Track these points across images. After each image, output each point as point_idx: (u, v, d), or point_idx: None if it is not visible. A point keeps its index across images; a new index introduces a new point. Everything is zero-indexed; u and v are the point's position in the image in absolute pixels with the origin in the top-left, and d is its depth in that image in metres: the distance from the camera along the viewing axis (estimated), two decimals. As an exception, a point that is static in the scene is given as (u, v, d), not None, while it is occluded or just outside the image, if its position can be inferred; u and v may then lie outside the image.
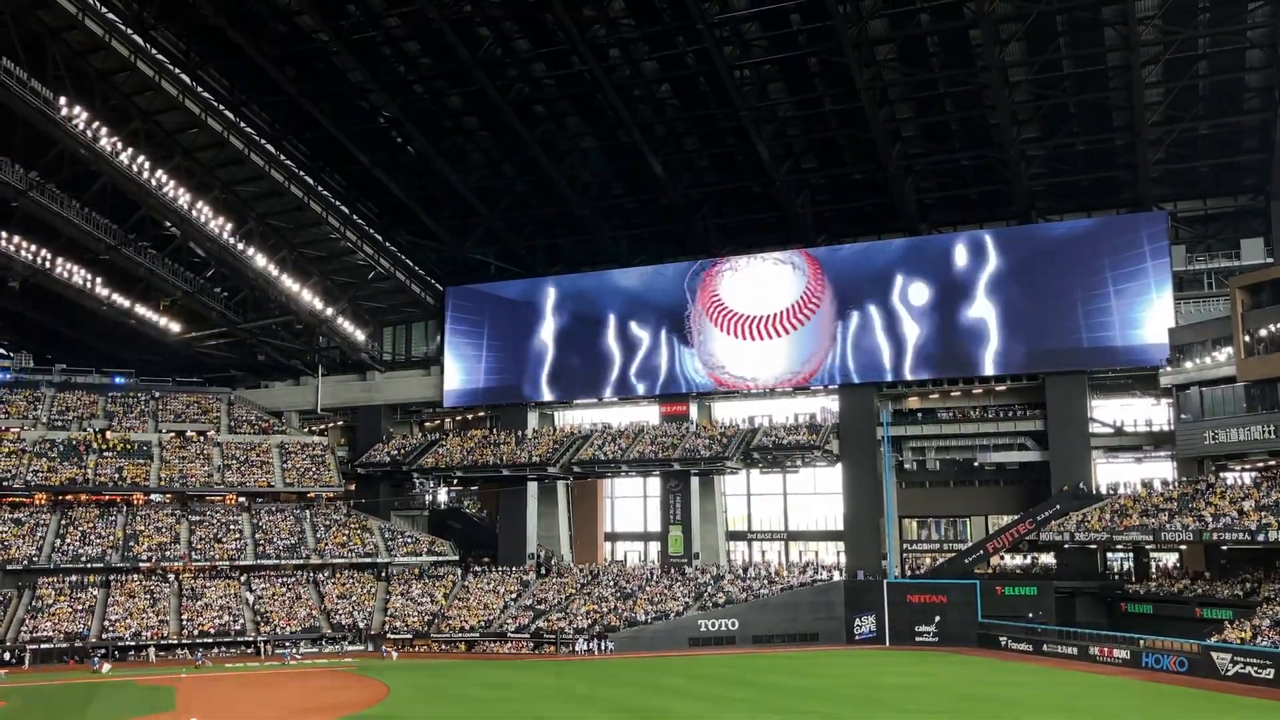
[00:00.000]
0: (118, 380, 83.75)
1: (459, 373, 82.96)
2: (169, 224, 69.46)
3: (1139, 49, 56.04)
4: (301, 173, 74.12)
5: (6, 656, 60.49)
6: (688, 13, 55.81)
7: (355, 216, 78.88)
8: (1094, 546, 62.89)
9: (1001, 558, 67.73)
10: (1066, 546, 62.92)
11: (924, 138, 68.48)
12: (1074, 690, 46.67)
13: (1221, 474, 60.13)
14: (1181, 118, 62.16)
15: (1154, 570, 63.96)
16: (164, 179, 64.14)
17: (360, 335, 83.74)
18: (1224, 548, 57.22)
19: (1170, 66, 59.04)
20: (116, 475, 73.63)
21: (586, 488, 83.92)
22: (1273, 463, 57.81)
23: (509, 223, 78.97)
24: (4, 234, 64.42)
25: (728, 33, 58.69)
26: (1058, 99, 62.64)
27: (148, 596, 67.41)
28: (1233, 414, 57.71)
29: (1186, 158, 66.26)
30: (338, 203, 77.47)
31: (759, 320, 74.27)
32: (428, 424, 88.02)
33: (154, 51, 62.80)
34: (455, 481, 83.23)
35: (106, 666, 59.29)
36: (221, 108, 67.67)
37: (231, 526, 73.67)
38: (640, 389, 77.99)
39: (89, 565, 68.17)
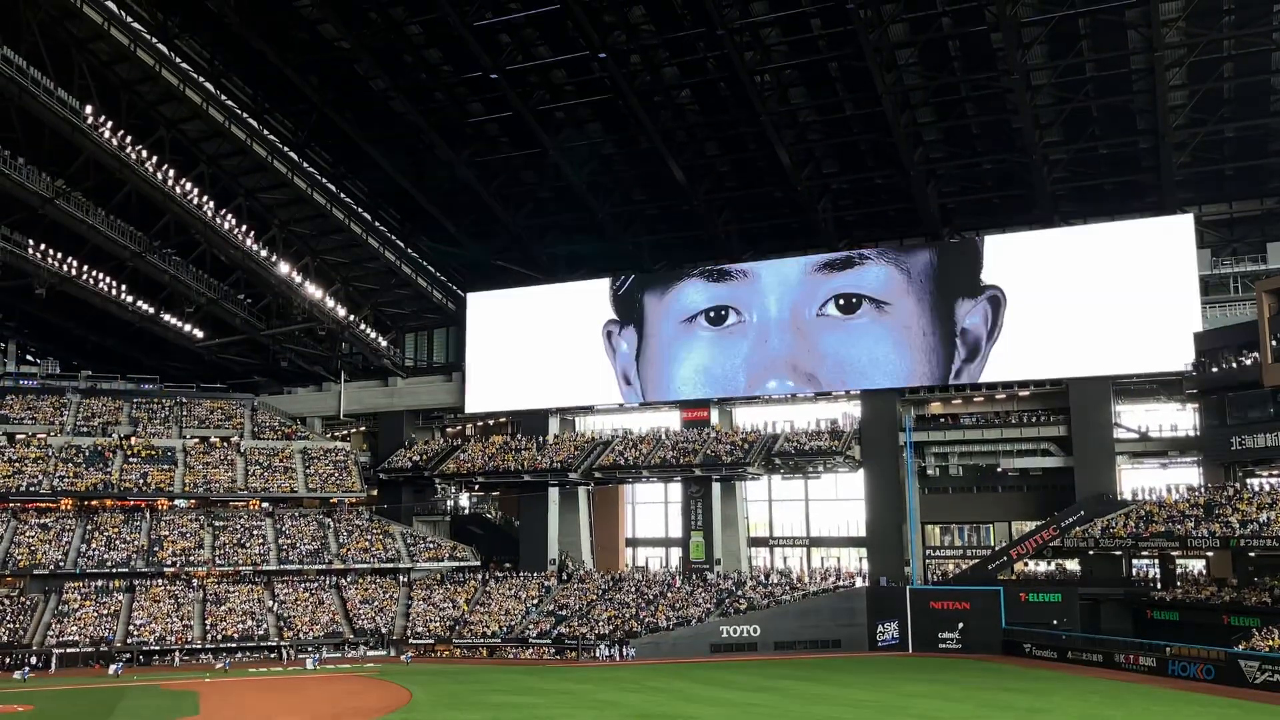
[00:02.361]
0: (143, 387, 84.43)
1: (480, 378, 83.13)
2: (193, 231, 69.99)
3: (1163, 52, 55.68)
4: (324, 180, 74.61)
5: (33, 660, 60.96)
6: (708, 18, 55.83)
7: (377, 223, 79.31)
8: (1119, 553, 62.35)
9: (1025, 564, 67.29)
10: (1091, 553, 62.47)
11: (946, 142, 68.28)
12: (1099, 698, 46.23)
13: (1249, 480, 59.56)
14: (1206, 120, 61.74)
15: (1180, 577, 63.40)
16: (188, 187, 64.70)
17: (382, 341, 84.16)
18: (1251, 554, 56.61)
19: (1195, 69, 58.67)
20: (141, 481, 74.20)
21: (608, 493, 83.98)
22: (1301, 468, 57.32)
23: (530, 228, 79.19)
24: (31, 241, 65.11)
25: (748, 38, 58.67)
26: (1080, 102, 62.32)
27: (172, 601, 67.85)
28: (1259, 419, 57.19)
29: (1212, 161, 65.83)
30: (360, 210, 77.94)
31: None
32: (449, 430, 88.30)
33: (178, 60, 63.33)
34: (477, 487, 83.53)
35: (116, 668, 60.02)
36: (245, 116, 68.18)
37: (255, 532, 74.05)
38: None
39: (114, 570, 68.65)
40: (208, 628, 66.26)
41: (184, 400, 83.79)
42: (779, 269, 74.69)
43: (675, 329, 77.57)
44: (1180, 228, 65.21)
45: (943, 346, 70.00)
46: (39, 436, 75.95)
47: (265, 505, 77.01)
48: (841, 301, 72.47)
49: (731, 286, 76.07)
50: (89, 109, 57.76)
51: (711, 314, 76.36)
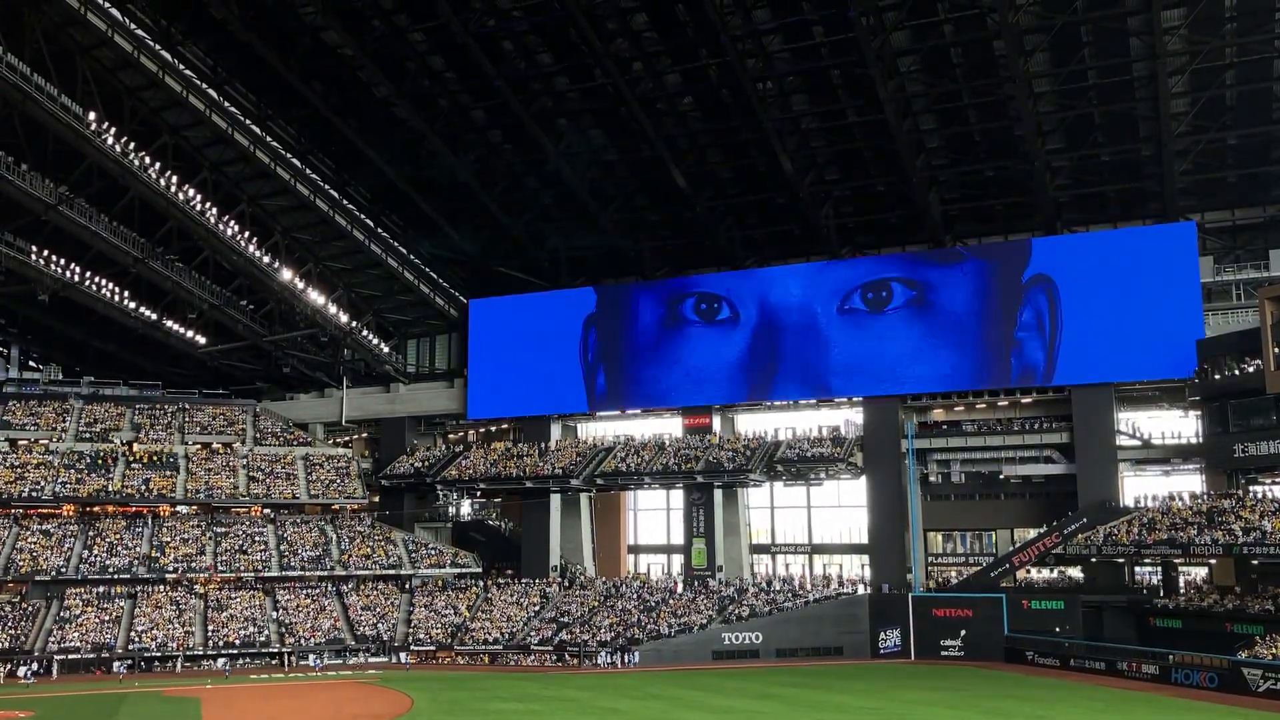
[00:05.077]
0: (145, 393, 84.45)
1: (482, 384, 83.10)
2: (195, 237, 70.05)
3: (1165, 59, 55.68)
4: (326, 186, 74.64)
5: (34, 666, 60.92)
6: (711, 25, 55.87)
7: (380, 230, 79.33)
8: (1122, 560, 62.32)
9: (1028, 571, 67.22)
10: (1094, 560, 62.41)
11: (948, 149, 68.23)
12: (1102, 706, 46.20)
13: (1251, 487, 59.48)
14: (1209, 128, 61.72)
15: (1183, 584, 63.31)
16: (191, 193, 64.76)
17: (384, 348, 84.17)
18: (1255, 562, 56.54)
19: (1197, 76, 58.64)
20: (143, 487, 74.20)
21: (609, 500, 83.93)
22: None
23: (532, 235, 79.18)
24: (34, 247, 65.17)
25: (751, 45, 58.68)
26: (1083, 110, 62.29)
27: (174, 608, 67.83)
28: (1262, 426, 57.14)
29: (1214, 168, 65.80)
30: (362, 216, 77.97)
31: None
32: (451, 436, 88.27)
33: (181, 67, 63.41)
34: (478, 493, 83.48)
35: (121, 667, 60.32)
36: (248, 122, 68.21)
37: (257, 538, 74.04)
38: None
39: (116, 576, 68.67)
40: (209, 634, 66.22)
41: (186, 406, 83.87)
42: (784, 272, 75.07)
43: (662, 328, 77.57)
44: (1183, 235, 65.18)
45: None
46: (41, 442, 76.00)
47: (267, 511, 77.07)
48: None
49: (733, 278, 76.49)
50: (92, 115, 57.84)
51: (703, 306, 76.35)
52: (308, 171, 72.99)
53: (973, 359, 69.18)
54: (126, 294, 72.10)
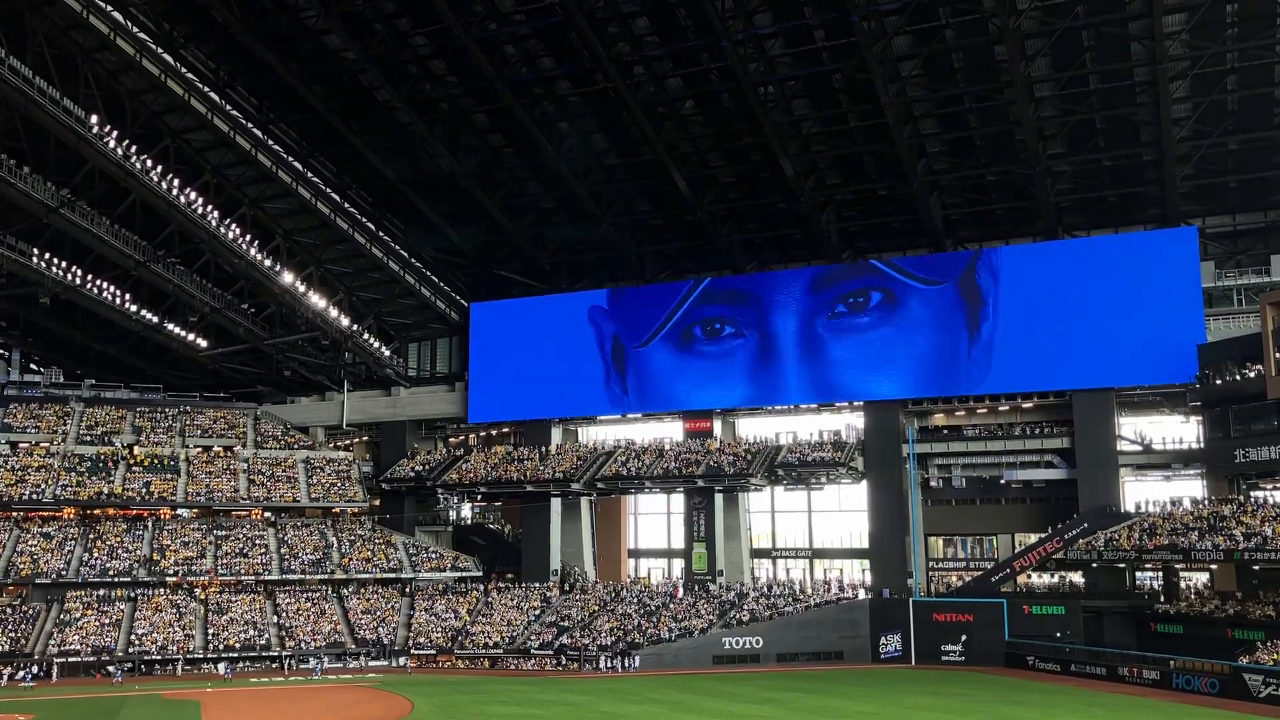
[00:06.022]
0: (146, 396, 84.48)
1: (483, 388, 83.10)
2: (197, 241, 70.12)
3: (1166, 64, 55.71)
4: (328, 190, 74.70)
5: (34, 669, 60.88)
6: (712, 30, 55.92)
7: (381, 233, 79.38)
8: (1123, 565, 62.25)
9: (1029, 576, 67.12)
10: (1095, 565, 62.36)
11: (949, 153, 68.27)
12: (1102, 711, 46.10)
13: (1252, 492, 59.43)
14: (1210, 133, 61.71)
15: (1184, 590, 63.23)
16: (192, 196, 64.81)
17: (385, 351, 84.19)
18: (1255, 567, 56.49)
19: (1198, 81, 58.69)
20: (144, 490, 74.19)
21: (610, 504, 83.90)
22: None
23: (533, 238, 79.21)
24: (35, 250, 65.27)
25: (752, 49, 58.73)
26: (1084, 114, 62.33)
27: (174, 611, 67.79)
28: (1263, 432, 57.07)
29: (1215, 173, 65.75)
30: (364, 219, 78.00)
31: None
32: (452, 440, 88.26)
33: (184, 71, 63.51)
34: (479, 497, 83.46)
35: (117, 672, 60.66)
36: (250, 125, 68.29)
37: (257, 541, 74.02)
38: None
39: (116, 579, 68.64)
40: (209, 637, 66.19)
41: (187, 409, 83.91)
42: (783, 282, 74.97)
43: (662, 330, 77.63)
44: (1184, 240, 65.18)
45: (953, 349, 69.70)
46: (42, 445, 76.03)
47: (268, 515, 77.04)
48: (851, 300, 72.48)
49: (733, 304, 76.24)
50: (94, 118, 57.92)
51: (705, 307, 76.44)
52: (309, 175, 73.07)
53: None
54: (128, 297, 72.21)
